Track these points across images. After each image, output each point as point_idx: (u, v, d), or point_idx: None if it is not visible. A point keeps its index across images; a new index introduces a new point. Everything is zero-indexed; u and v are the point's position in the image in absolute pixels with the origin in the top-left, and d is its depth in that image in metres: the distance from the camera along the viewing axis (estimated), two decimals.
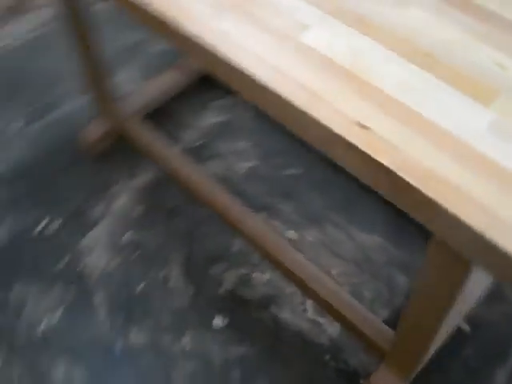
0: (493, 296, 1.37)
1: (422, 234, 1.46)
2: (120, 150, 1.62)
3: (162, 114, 1.68)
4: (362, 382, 1.25)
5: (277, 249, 1.34)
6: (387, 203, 1.49)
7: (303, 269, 1.31)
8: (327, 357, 1.30)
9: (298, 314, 1.35)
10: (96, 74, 1.47)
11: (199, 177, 1.46)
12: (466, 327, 1.33)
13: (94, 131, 1.59)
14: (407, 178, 0.67)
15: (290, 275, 1.34)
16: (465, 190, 0.66)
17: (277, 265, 1.36)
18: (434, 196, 0.66)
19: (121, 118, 1.57)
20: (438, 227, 0.68)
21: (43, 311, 1.37)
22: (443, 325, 1.00)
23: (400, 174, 0.68)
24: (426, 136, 0.71)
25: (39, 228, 1.50)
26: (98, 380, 1.28)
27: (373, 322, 1.22)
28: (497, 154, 0.69)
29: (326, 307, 1.29)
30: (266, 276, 1.40)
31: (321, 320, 1.34)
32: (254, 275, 1.40)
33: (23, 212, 1.53)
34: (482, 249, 0.64)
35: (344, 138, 0.71)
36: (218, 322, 1.35)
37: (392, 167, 0.68)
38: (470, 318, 1.34)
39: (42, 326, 1.35)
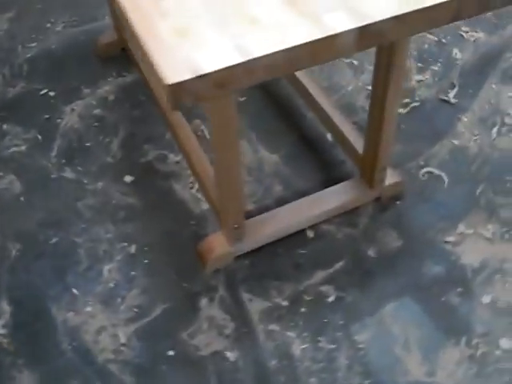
0: (345, 220, 1.61)
1: (315, 164, 1.73)
2: (121, 58, 2.07)
3: None
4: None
5: (188, 144, 1.68)
6: (299, 139, 1.79)
7: (199, 159, 1.63)
8: (193, 221, 1.61)
9: (187, 189, 1.68)
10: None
11: None
12: (311, 234, 1.58)
13: (106, 39, 2.06)
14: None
15: (190, 162, 1.67)
16: None
17: (184, 153, 1.70)
18: None
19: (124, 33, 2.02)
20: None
21: (17, 142, 1.83)
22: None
23: None
24: None
25: (41, 93, 1.97)
26: (29, 193, 1.70)
27: None
28: None
29: (204, 187, 1.61)
30: (177, 159, 1.75)
31: (201, 197, 1.66)
32: (170, 156, 1.76)
33: (35, 81, 2.01)
34: None
35: None
36: (128, 179, 1.72)
37: None
38: (318, 229, 1.59)
39: (11, 150, 1.80)
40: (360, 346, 1.39)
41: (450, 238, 1.57)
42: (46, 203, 1.67)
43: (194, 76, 0.75)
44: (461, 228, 1.59)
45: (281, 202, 1.63)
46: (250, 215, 1.58)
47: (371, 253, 1.54)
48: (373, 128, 1.47)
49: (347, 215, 1.61)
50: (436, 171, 1.71)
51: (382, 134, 1.45)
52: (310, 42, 0.79)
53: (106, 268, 1.53)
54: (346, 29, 0.80)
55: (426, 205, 1.64)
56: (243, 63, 0.77)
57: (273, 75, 0.81)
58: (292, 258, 1.54)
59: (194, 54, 0.78)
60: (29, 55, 2.10)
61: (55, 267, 1.54)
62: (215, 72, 0.76)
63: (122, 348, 1.40)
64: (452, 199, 1.65)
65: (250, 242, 1.52)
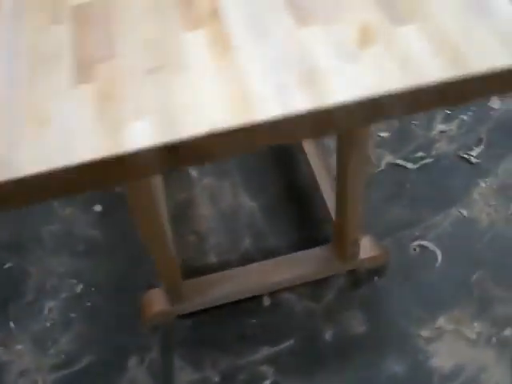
0: (309, 291, 1.42)
1: (296, 221, 1.55)
2: None
3: None
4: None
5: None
6: (287, 189, 1.61)
7: None
8: (150, 267, 1.49)
9: None
10: None
11: None
12: (267, 301, 1.42)
13: None
14: None
15: None
16: None
17: None
18: None
19: None
20: None
21: None
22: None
23: None
24: None
25: None
26: None
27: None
28: None
29: None
30: None
31: None
32: None
33: None
34: None
35: None
36: (97, 208, 1.63)
37: None
38: (276, 297, 1.42)
39: None
40: None
41: (425, 333, 1.35)
42: (13, 224, 1.63)
43: None
44: (441, 321, 1.36)
45: (246, 257, 1.48)
46: (210, 268, 1.46)
47: (327, 335, 1.36)
48: (339, 202, 1.28)
49: (314, 285, 1.43)
50: (430, 246, 1.47)
51: (348, 210, 1.25)
52: (94, 162, 0.63)
53: (48, 305, 1.46)
54: (147, 145, 0.63)
55: (407, 286, 1.42)
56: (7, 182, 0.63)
57: (50, 197, 0.67)
58: (239, 327, 1.39)
59: None
60: None
61: (1, 295, 1.49)
62: None
63: None
64: (441, 283, 1.41)
65: (195, 303, 1.38)
